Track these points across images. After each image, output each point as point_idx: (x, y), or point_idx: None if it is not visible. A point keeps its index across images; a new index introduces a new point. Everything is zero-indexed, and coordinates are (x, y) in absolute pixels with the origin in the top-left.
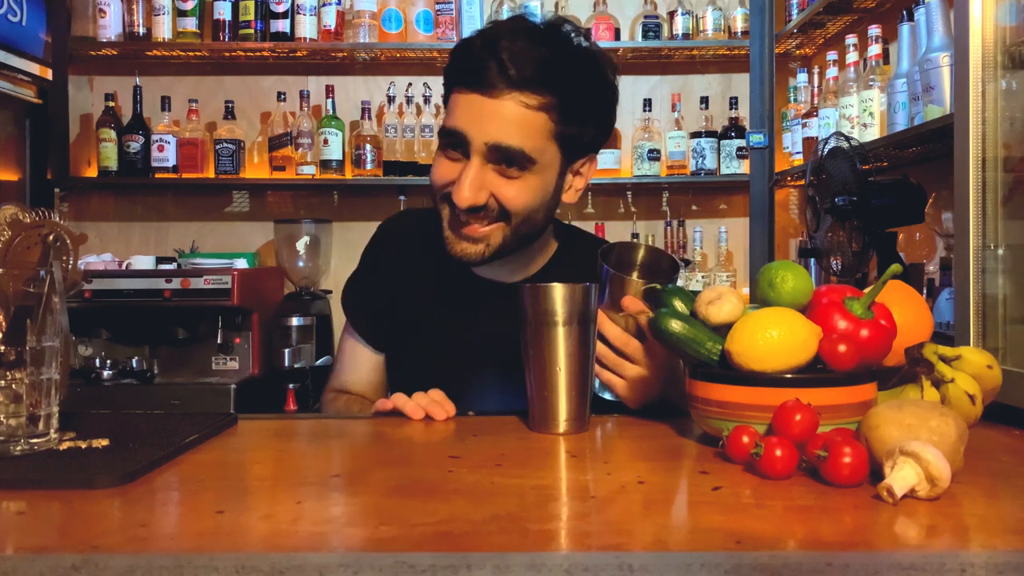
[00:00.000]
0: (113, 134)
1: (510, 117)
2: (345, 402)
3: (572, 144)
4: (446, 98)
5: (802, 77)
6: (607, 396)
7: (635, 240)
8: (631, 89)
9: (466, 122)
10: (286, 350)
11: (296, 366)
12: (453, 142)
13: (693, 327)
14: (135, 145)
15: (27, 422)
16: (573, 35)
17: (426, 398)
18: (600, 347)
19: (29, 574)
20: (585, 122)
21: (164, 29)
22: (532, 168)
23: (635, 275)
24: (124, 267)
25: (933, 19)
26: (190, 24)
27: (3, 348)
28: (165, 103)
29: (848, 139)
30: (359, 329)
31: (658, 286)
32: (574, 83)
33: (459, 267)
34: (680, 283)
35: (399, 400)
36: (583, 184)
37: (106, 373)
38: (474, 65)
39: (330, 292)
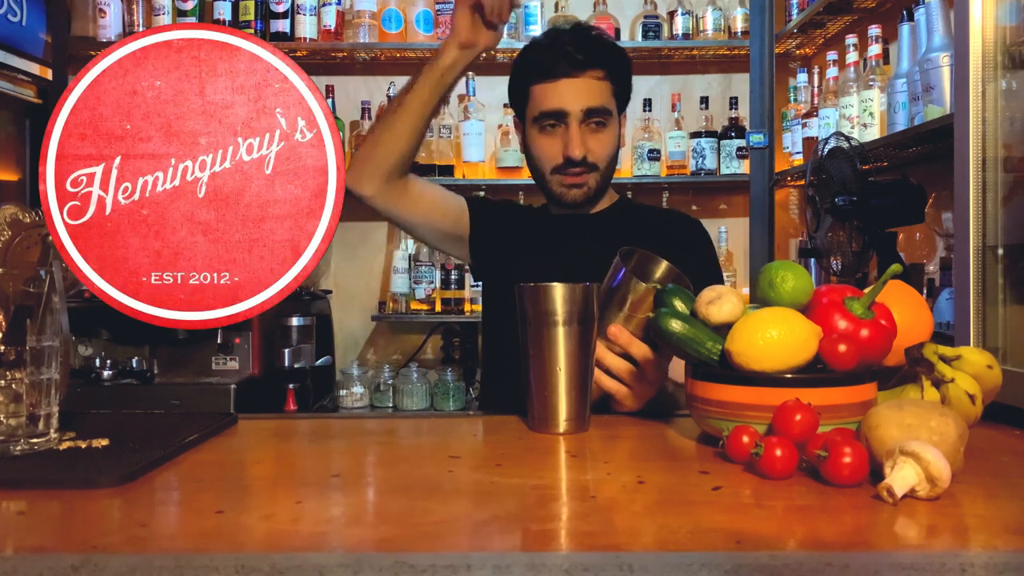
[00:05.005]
0: None
1: (592, 88)
2: None
3: (620, 100)
4: (520, 93)
5: (802, 77)
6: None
7: (657, 256)
8: None
9: (563, 101)
10: (286, 350)
11: (296, 366)
12: (554, 118)
13: (693, 327)
14: None
15: (27, 422)
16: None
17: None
18: (600, 375)
19: (29, 574)
20: (624, 82)
21: None
22: (609, 121)
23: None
24: None
25: (933, 19)
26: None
27: (3, 348)
28: None
29: (848, 139)
30: (471, 204)
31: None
32: (615, 57)
33: (542, 215)
34: None
35: None
36: (623, 132)
37: (106, 373)
38: (552, 60)
39: (330, 292)
